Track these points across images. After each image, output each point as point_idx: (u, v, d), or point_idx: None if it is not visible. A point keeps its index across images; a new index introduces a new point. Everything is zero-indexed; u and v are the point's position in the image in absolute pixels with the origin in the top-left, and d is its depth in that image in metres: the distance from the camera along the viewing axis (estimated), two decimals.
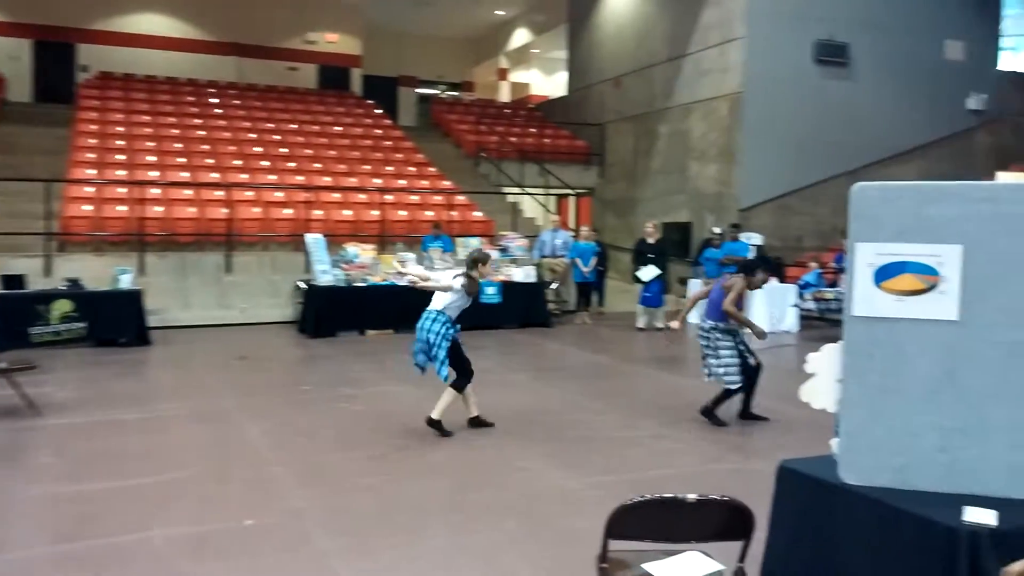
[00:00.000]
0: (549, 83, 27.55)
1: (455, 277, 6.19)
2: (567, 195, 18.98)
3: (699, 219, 15.76)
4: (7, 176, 12.21)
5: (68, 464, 5.23)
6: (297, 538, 4.05)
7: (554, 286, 13.06)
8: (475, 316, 11.39)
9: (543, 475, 5.09)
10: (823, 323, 12.02)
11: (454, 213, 14.59)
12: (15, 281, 9.51)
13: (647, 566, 2.74)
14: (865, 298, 2.67)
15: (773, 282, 12.28)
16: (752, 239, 12.50)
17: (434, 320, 6.09)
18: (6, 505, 4.47)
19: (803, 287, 12.23)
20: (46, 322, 9.35)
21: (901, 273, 2.65)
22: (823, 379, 2.83)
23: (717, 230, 12.70)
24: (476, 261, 6.29)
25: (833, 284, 12.13)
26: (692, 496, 2.57)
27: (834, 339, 2.83)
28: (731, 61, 15.14)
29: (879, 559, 2.48)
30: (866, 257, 2.68)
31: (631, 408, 6.96)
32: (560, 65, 24.24)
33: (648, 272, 11.75)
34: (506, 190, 17.19)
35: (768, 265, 6.82)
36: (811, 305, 11.62)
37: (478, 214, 14.95)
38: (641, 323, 11.90)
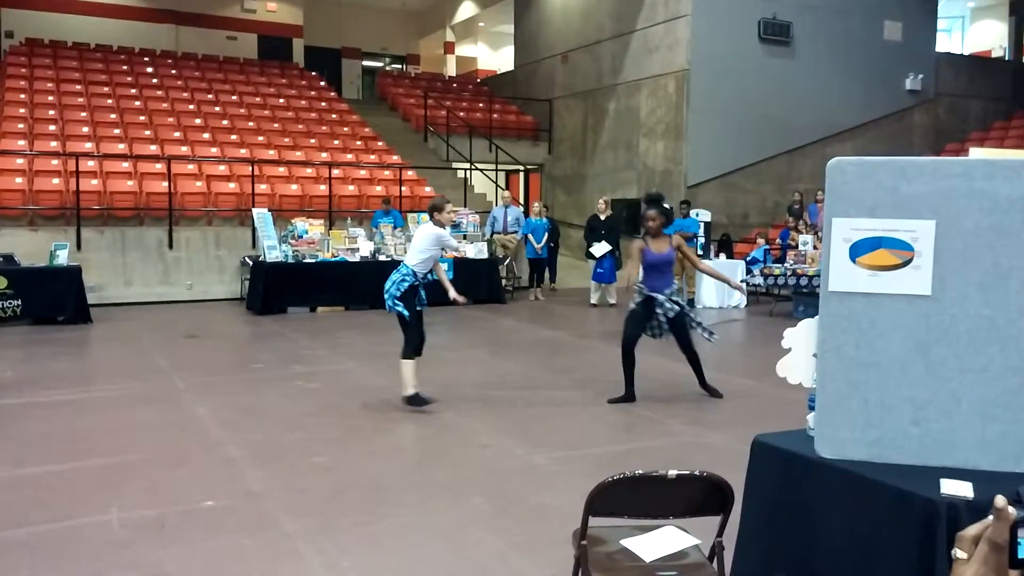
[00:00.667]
0: (496, 58, 27.32)
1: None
2: (516, 171, 18.92)
3: None
4: None
5: (11, 447, 5.01)
6: (259, 520, 3.96)
7: (506, 262, 13.02)
8: (427, 292, 11.40)
9: (506, 451, 5.08)
10: (770, 298, 12.28)
11: (404, 188, 14.40)
12: None
13: (625, 542, 2.74)
14: (841, 273, 2.69)
15: (722, 258, 12.48)
16: (701, 215, 12.65)
17: (398, 271, 6.13)
18: None
19: (751, 263, 12.45)
20: None
21: (876, 248, 2.68)
22: (799, 354, 2.86)
23: (666, 207, 12.79)
24: (433, 208, 6.26)
25: (779, 260, 12.38)
26: (673, 472, 2.57)
27: (781, 314, 2.85)
28: (678, 38, 15.22)
29: (856, 532, 2.52)
30: (842, 232, 2.70)
31: (589, 383, 6.99)
32: (507, 39, 24.04)
33: (600, 248, 11.81)
34: (456, 165, 17.04)
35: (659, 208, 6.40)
36: (759, 280, 11.84)
37: (428, 189, 14.78)
38: (594, 299, 11.98)
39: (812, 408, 2.81)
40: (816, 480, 2.69)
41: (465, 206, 14.10)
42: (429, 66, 26.84)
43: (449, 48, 27.19)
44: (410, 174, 15.09)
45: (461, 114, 18.41)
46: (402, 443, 5.25)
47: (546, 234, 12.83)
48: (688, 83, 15.01)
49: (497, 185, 16.65)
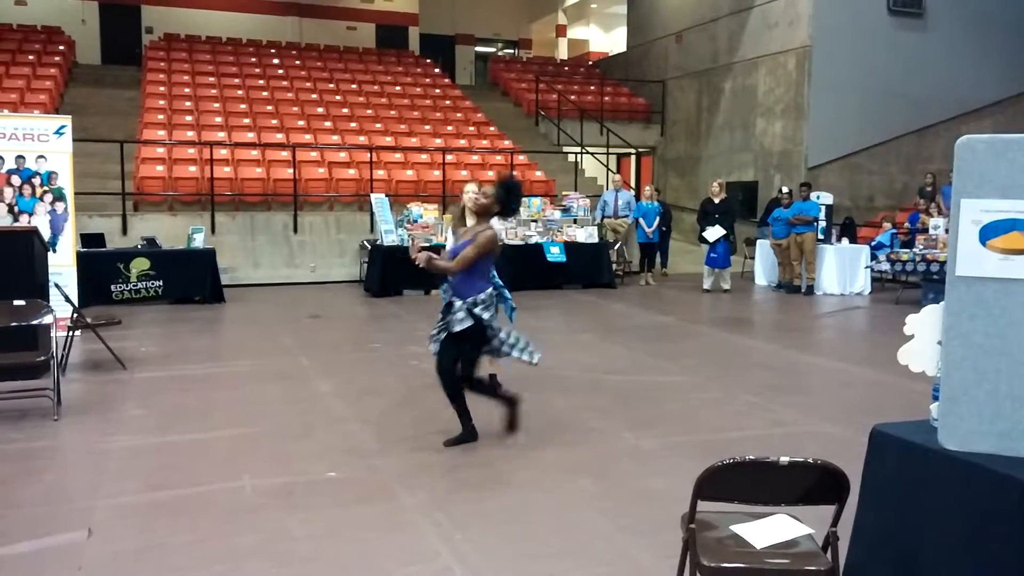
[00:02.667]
0: (608, 39, 27.04)
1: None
2: (628, 154, 18.73)
3: (766, 178, 15.40)
4: (81, 137, 12.56)
5: (154, 416, 5.43)
6: (377, 491, 4.15)
7: (617, 246, 12.95)
8: (538, 276, 11.54)
9: (615, 435, 5.10)
10: (896, 285, 11.70)
11: (515, 173, 14.52)
12: (95, 240, 9.85)
13: (735, 528, 2.73)
14: (969, 257, 2.57)
15: (844, 243, 11.98)
16: (823, 198, 12.17)
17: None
18: (99, 455, 4.67)
19: (876, 248, 11.89)
20: (126, 280, 9.68)
21: (1010, 231, 2.54)
22: (923, 341, 2.75)
23: (785, 189, 12.39)
24: None
25: (908, 245, 11.77)
26: (785, 459, 2.54)
27: (908, 301, 2.73)
28: (799, 13, 14.62)
29: (981, 526, 2.42)
30: (971, 214, 2.57)
31: (700, 369, 6.90)
32: (619, 21, 23.74)
33: (714, 232, 11.57)
34: (566, 149, 17.04)
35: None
36: (885, 266, 11.30)
37: (539, 174, 14.86)
38: (707, 284, 11.76)
39: (936, 398, 2.70)
40: (938, 473, 2.59)
41: (576, 190, 14.10)
42: (541, 50, 26.86)
43: (561, 31, 27.11)
44: (521, 158, 15.20)
45: (572, 97, 18.36)
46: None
47: (657, 218, 12.67)
48: (810, 60, 14.41)
49: (608, 169, 16.54)
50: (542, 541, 3.57)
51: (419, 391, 6.13)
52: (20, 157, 8.25)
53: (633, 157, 19.39)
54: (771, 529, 2.69)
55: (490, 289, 4.77)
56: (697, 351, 7.85)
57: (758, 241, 12.82)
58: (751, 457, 2.55)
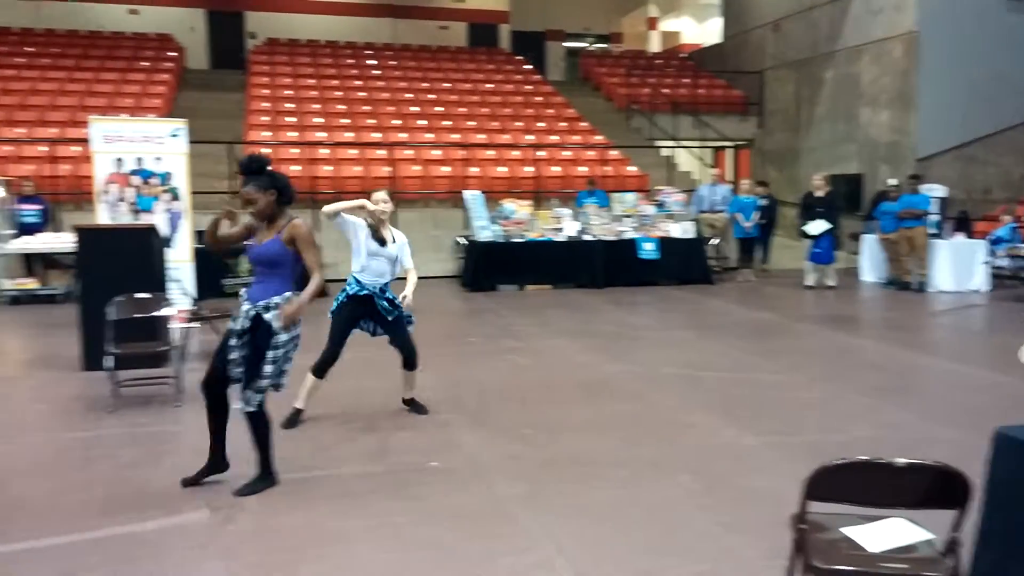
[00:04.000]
0: (701, 31, 26.50)
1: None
2: (724, 147, 18.34)
3: (871, 170, 14.81)
4: (193, 139, 13.20)
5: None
6: (476, 482, 4.22)
7: (713, 242, 12.72)
8: (631, 272, 11.45)
9: (715, 432, 5.03)
10: (1017, 282, 11.06)
11: (608, 168, 14.46)
12: None
13: (846, 530, 2.66)
14: None
15: (959, 237, 11.41)
16: (934, 191, 11.62)
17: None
18: None
19: (995, 243, 11.27)
20: (235, 274, 10.14)
21: None
22: None
23: (893, 182, 11.89)
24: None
25: None
26: (902, 460, 2.46)
27: None
28: None
29: None
30: None
31: (804, 368, 6.72)
32: (713, 11, 23.24)
33: (817, 226, 11.21)
34: (660, 144, 16.82)
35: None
36: (1004, 262, 10.70)
37: (632, 169, 14.74)
38: (810, 280, 11.40)
39: None
40: None
41: (670, 185, 13.91)
42: (631, 43, 26.58)
43: (652, 24, 26.75)
44: (614, 154, 15.10)
45: (665, 91, 18.11)
46: (610, 419, 5.35)
47: (756, 212, 12.36)
48: (918, 46, 13.76)
49: (703, 163, 16.25)
50: (642, 536, 3.56)
51: (516, 385, 6.20)
52: (139, 158, 8.75)
53: (729, 150, 18.98)
54: (886, 533, 2.61)
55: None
56: (800, 349, 7.64)
57: (864, 236, 12.34)
58: (864, 457, 2.48)
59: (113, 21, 20.29)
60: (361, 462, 4.51)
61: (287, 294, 3.98)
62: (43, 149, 12.47)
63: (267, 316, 3.94)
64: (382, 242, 5.20)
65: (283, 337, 3.95)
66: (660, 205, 12.60)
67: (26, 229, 10.67)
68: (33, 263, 10.64)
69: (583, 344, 7.67)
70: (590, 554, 3.39)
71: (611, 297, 10.63)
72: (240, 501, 3.94)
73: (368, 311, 5.24)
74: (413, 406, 5.50)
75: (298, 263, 4.02)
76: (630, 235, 11.89)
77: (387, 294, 5.25)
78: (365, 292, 5.18)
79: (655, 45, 26.45)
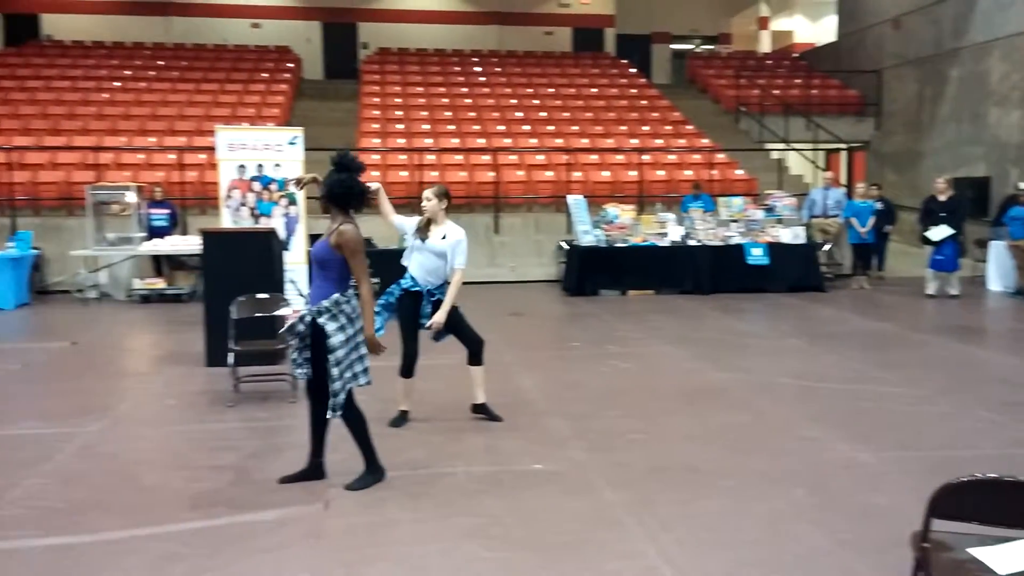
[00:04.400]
0: (815, 29, 25.64)
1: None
2: (838, 150, 17.66)
3: (1000, 173, 13.94)
4: (309, 147, 13.76)
5: (376, 402, 5.81)
6: (581, 486, 4.23)
7: (826, 248, 12.26)
8: (739, 279, 11.18)
9: (829, 446, 4.85)
10: None
11: (714, 172, 14.18)
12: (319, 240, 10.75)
13: (973, 551, 2.53)
14: None
15: None
16: None
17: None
18: (331, 434, 5.09)
19: None
20: None
21: None
22: None
23: None
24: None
25: None
26: None
27: None
28: None
29: None
30: None
31: (925, 381, 6.39)
32: (828, 8, 22.46)
33: (939, 232, 10.64)
34: (769, 146, 16.36)
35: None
36: None
37: (740, 172, 14.40)
38: (931, 289, 10.83)
39: None
40: None
41: (780, 189, 13.51)
42: (741, 44, 25.97)
43: (763, 23, 26.05)
44: (721, 157, 14.80)
45: (776, 92, 17.60)
46: (717, 427, 5.24)
47: (872, 217, 11.84)
48: None
49: (816, 165, 15.69)
50: (753, 549, 3.48)
51: (620, 391, 6.16)
52: (260, 165, 9.20)
53: (844, 153, 18.26)
54: (1016, 555, 2.46)
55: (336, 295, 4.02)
56: (921, 361, 7.26)
57: (991, 242, 11.63)
58: (993, 475, 2.36)
59: (237, 35, 21.39)
60: (467, 462, 4.59)
61: (334, 296, 3.97)
62: (171, 157, 13.28)
63: (320, 321, 3.96)
64: (422, 237, 5.19)
65: (337, 339, 3.95)
66: (769, 209, 12.25)
67: (155, 232, 11.37)
68: (161, 264, 11.33)
69: (688, 351, 7.55)
70: (697, 564, 3.34)
71: (717, 304, 10.41)
72: (352, 495, 4.08)
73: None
74: (485, 412, 5.40)
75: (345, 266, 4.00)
76: (737, 240, 11.61)
77: (435, 297, 5.20)
78: (416, 289, 5.23)
79: (766, 45, 25.74)
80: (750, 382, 6.35)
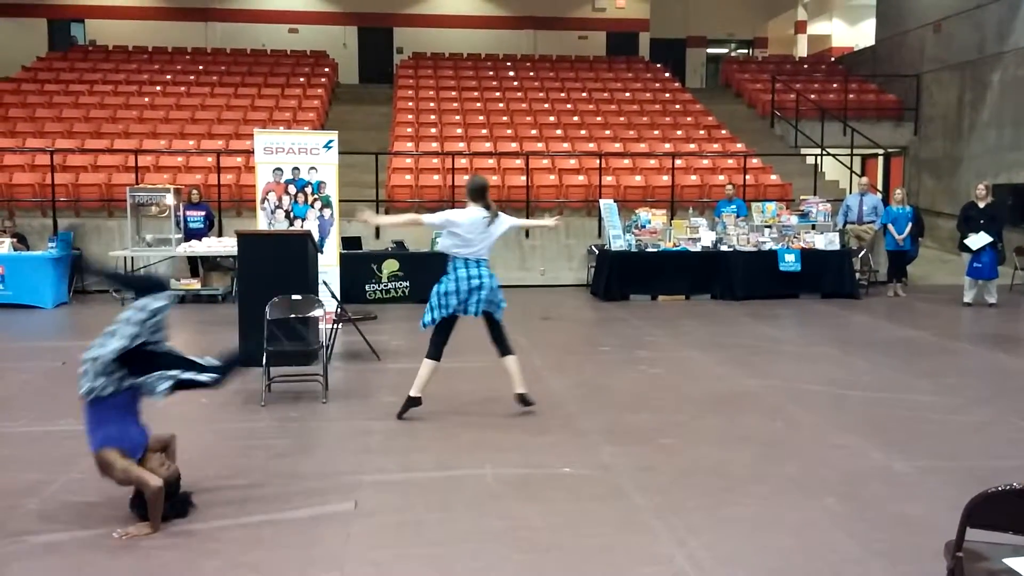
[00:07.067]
0: (853, 33, 25.30)
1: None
2: (875, 155, 17.41)
3: None
4: (343, 150, 13.91)
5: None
6: (611, 490, 4.22)
7: (861, 254, 12.10)
8: (771, 284, 11.08)
9: (862, 454, 4.79)
10: None
11: (748, 177, 14.05)
12: (353, 243, 10.85)
13: (1009, 561, 2.49)
14: None
15: None
16: None
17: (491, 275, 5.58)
18: (361, 435, 5.17)
19: None
20: (377, 280, 10.59)
21: None
22: None
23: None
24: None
25: None
26: None
27: None
28: None
29: None
30: None
31: (961, 390, 6.28)
32: (867, 12, 22.16)
33: (979, 240, 10.44)
34: (804, 151, 16.18)
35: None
36: None
37: (774, 177, 14.26)
38: (968, 297, 10.63)
39: None
40: None
41: (815, 194, 13.35)
42: (777, 48, 25.73)
43: (800, 27, 25.80)
44: (755, 162, 14.67)
45: (812, 96, 17.41)
46: (748, 434, 5.20)
47: (910, 224, 11.65)
48: None
49: (852, 171, 15.48)
50: (784, 557, 3.45)
51: (650, 395, 6.14)
52: (296, 168, 9.32)
53: (881, 158, 17.98)
54: None
55: None
56: (957, 370, 7.14)
57: None
58: None
59: (275, 39, 21.69)
60: (496, 464, 4.60)
61: None
62: (209, 160, 13.50)
63: None
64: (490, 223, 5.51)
65: None
66: (804, 215, 12.12)
67: (192, 234, 11.57)
68: (198, 265, 11.52)
69: (719, 356, 7.50)
70: (726, 572, 3.32)
71: (749, 310, 10.32)
72: (382, 496, 4.12)
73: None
74: (523, 401, 5.60)
75: None
76: (770, 246, 11.50)
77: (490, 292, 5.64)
78: (477, 282, 5.56)
79: (803, 49, 25.48)
80: (782, 389, 6.30)
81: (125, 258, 11.14)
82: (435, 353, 5.51)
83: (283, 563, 3.41)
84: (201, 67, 18.75)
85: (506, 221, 5.61)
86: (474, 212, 5.43)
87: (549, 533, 3.69)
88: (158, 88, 17.06)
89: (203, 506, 3.98)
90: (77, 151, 13.56)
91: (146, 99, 16.42)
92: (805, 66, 21.54)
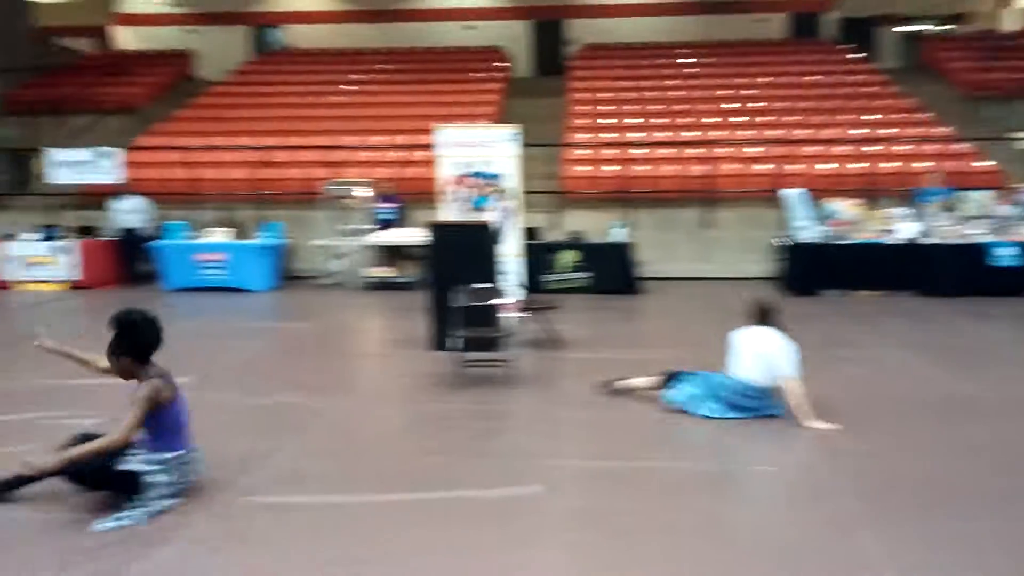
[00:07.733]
0: None
1: None
2: None
3: None
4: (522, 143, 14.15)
5: (589, 393, 5.87)
6: (816, 493, 4.03)
7: None
8: (981, 281, 10.12)
9: None
10: None
11: (952, 163, 12.91)
12: (532, 233, 11.00)
13: None
14: None
15: None
16: None
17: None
18: (548, 421, 5.23)
19: None
20: (555, 270, 10.70)
21: None
22: None
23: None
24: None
25: None
26: None
27: None
28: None
29: None
30: None
31: None
32: None
33: None
34: (1018, 135, 14.62)
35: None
36: None
37: (983, 164, 13.02)
38: None
39: None
40: None
41: None
42: (982, 23, 23.38)
43: None
44: (960, 147, 13.46)
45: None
46: (966, 442, 4.76)
47: None
48: None
49: None
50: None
51: (853, 397, 5.77)
52: (475, 162, 9.55)
53: None
54: None
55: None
56: None
57: None
58: None
59: (452, 37, 22.43)
60: (694, 459, 4.52)
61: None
62: (396, 155, 14.16)
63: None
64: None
65: None
66: (1018, 204, 10.97)
67: (384, 225, 12.22)
68: (392, 254, 12.15)
69: (928, 357, 6.94)
70: None
71: (958, 307, 9.47)
72: (571, 481, 4.14)
73: None
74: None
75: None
76: (981, 239, 10.49)
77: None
78: None
79: (1011, 23, 23.01)
80: (1004, 394, 5.73)
81: (324, 247, 11.92)
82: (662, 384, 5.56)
83: (477, 539, 3.53)
84: (386, 66, 19.69)
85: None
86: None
87: (746, 532, 3.61)
88: (354, 88, 18.12)
89: (399, 478, 4.17)
90: (280, 148, 14.63)
91: (339, 98, 17.47)
92: (1013, 42, 19.46)
